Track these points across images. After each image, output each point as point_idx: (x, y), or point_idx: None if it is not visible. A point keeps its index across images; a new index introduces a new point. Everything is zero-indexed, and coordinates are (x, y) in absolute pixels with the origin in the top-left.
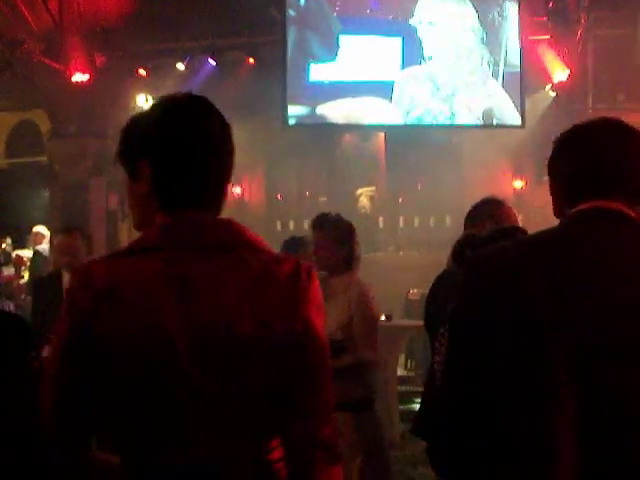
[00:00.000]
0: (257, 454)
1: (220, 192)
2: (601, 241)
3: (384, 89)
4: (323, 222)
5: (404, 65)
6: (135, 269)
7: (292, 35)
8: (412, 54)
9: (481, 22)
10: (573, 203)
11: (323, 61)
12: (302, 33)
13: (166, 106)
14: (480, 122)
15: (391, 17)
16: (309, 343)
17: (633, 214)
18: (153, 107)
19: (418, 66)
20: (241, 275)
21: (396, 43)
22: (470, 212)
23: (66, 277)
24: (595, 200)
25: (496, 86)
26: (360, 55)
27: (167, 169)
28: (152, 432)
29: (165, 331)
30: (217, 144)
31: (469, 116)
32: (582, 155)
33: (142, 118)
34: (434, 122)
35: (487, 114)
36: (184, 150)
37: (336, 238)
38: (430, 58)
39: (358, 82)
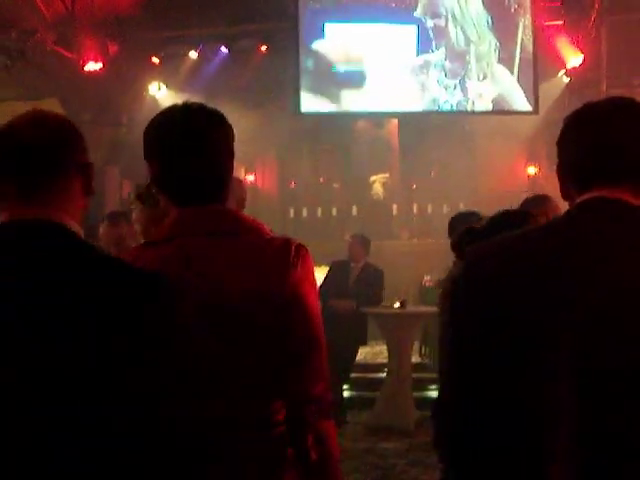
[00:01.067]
0: (260, 413)
1: (220, 187)
2: (603, 235)
3: (395, 77)
4: None
5: (419, 53)
6: (155, 256)
7: (306, 22)
8: (426, 42)
9: (486, 7)
10: (580, 190)
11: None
12: (316, 20)
13: (164, 113)
14: (490, 109)
15: (403, 5)
16: (295, 309)
17: (638, 202)
18: (159, 112)
19: (428, 54)
20: (236, 253)
21: (411, 31)
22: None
23: None
24: (601, 189)
25: (504, 72)
26: (374, 43)
27: (167, 170)
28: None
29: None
30: (212, 147)
31: (480, 102)
32: (588, 140)
33: (150, 122)
34: (446, 109)
35: (497, 101)
36: (179, 153)
37: None
38: (438, 46)
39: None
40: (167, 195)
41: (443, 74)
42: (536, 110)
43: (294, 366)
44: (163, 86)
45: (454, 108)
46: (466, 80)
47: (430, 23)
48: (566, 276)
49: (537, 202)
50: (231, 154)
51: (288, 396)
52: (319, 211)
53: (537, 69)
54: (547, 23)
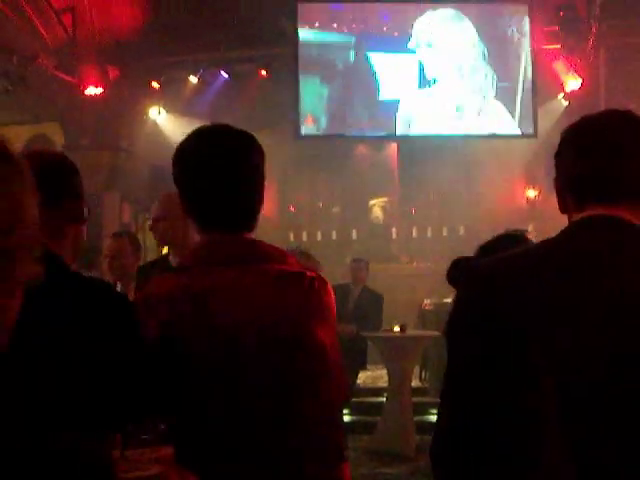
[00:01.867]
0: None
1: (248, 214)
2: (600, 253)
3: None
4: None
5: (421, 83)
6: (173, 284)
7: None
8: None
9: (482, 38)
10: (579, 205)
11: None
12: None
13: (189, 138)
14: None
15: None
16: (307, 349)
17: (636, 221)
18: (185, 138)
19: (426, 88)
20: (251, 286)
21: (413, 61)
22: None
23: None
24: (599, 206)
25: (501, 109)
26: (377, 72)
27: (193, 196)
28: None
29: (185, 339)
30: (239, 173)
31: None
32: (586, 156)
33: (180, 144)
34: (447, 134)
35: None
36: (205, 180)
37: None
38: (434, 79)
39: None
40: (193, 219)
41: (440, 105)
42: (535, 133)
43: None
44: (163, 111)
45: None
46: (461, 112)
47: (421, 55)
48: (569, 292)
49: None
50: (261, 179)
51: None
52: (319, 235)
53: (536, 93)
54: (546, 47)
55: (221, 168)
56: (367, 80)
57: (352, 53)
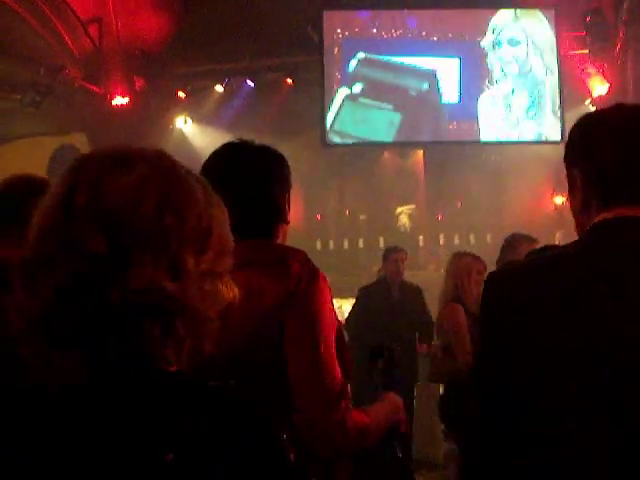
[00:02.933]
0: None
1: (268, 222)
2: (622, 256)
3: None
4: None
5: (461, 87)
6: None
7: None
8: (472, 75)
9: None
10: (604, 204)
11: None
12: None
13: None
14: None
15: (443, 37)
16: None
17: None
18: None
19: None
20: (253, 284)
21: (453, 64)
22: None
23: None
24: (622, 207)
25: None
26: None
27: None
28: None
29: None
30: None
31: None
32: (610, 152)
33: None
34: (475, 140)
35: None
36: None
37: None
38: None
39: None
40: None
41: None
42: (563, 139)
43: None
44: (189, 120)
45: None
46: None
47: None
48: (598, 297)
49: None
50: (282, 191)
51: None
52: (346, 243)
53: (563, 98)
54: (573, 52)
55: (237, 181)
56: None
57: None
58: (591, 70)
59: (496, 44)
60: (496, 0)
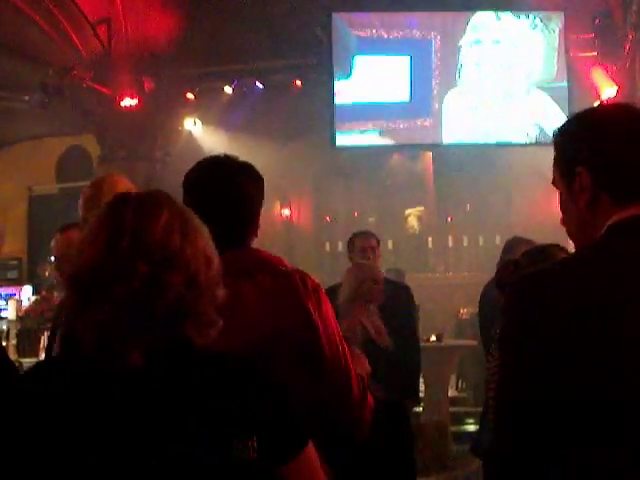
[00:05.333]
0: None
1: (242, 234)
2: None
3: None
4: None
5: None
6: None
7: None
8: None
9: (516, 36)
10: (612, 206)
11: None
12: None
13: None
14: (531, 140)
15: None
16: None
17: None
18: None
19: (460, 87)
20: (252, 294)
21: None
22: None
23: None
24: (636, 205)
25: (546, 100)
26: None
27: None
28: None
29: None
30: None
31: (519, 134)
32: (625, 150)
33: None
34: (483, 141)
35: (537, 130)
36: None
37: None
38: (470, 76)
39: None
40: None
41: (478, 106)
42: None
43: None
44: (198, 121)
45: (490, 141)
46: (501, 111)
47: (466, 52)
48: (610, 300)
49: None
50: (257, 204)
51: None
52: None
53: (572, 100)
54: (581, 55)
55: (213, 193)
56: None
57: None
58: (600, 73)
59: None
60: (498, 3)
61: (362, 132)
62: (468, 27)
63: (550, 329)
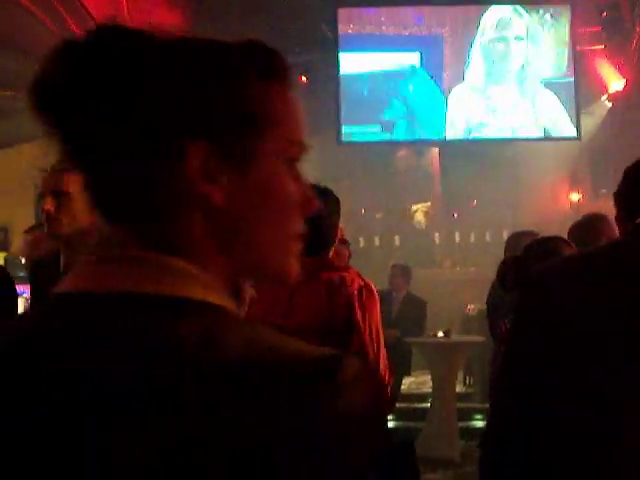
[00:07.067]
0: None
1: (320, 245)
2: None
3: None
4: None
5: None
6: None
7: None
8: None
9: (529, 32)
10: (633, 213)
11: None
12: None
13: None
14: (539, 135)
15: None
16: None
17: None
18: None
19: (469, 82)
20: (316, 290)
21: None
22: (574, 231)
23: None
24: None
25: (551, 97)
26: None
27: None
28: None
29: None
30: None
31: (527, 129)
32: None
33: None
34: (490, 136)
35: (544, 127)
36: None
37: None
38: (481, 72)
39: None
40: None
41: (486, 101)
42: (579, 136)
43: None
44: None
45: (500, 136)
46: (509, 107)
47: (478, 47)
48: (627, 298)
49: (592, 224)
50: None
51: None
52: (361, 241)
53: (579, 94)
54: (588, 48)
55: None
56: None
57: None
58: (607, 66)
59: (491, 39)
60: None
61: (368, 126)
62: (483, 22)
63: (581, 325)
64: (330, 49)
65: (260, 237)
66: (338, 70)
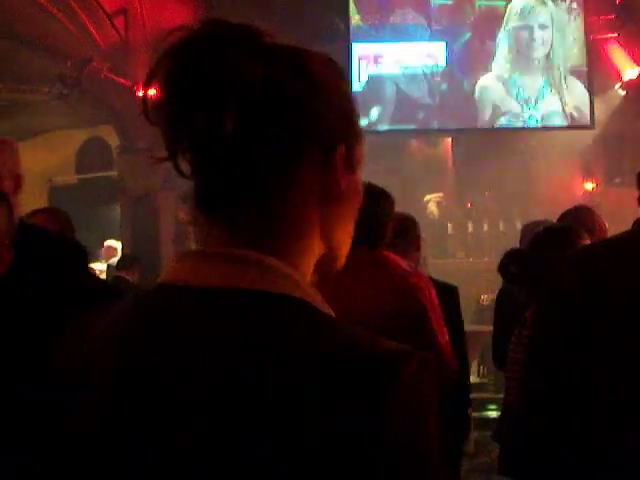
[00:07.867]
0: None
1: (377, 240)
2: None
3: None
4: None
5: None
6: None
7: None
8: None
9: (554, 20)
10: None
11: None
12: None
13: None
14: (567, 122)
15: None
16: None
17: None
18: None
19: (498, 70)
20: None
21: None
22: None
23: None
24: None
25: (578, 85)
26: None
27: None
28: None
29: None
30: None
31: (553, 119)
32: None
33: None
34: (520, 126)
35: (572, 114)
36: None
37: None
38: (508, 61)
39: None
40: None
41: (514, 90)
42: (592, 124)
43: None
44: None
45: (530, 125)
46: (539, 95)
47: (503, 36)
48: None
49: (579, 214)
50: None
51: None
52: None
53: (592, 82)
54: (602, 36)
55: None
56: None
57: None
58: (621, 54)
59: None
60: None
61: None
62: (508, 11)
63: (613, 302)
64: (342, 40)
65: (347, 227)
66: (350, 61)
